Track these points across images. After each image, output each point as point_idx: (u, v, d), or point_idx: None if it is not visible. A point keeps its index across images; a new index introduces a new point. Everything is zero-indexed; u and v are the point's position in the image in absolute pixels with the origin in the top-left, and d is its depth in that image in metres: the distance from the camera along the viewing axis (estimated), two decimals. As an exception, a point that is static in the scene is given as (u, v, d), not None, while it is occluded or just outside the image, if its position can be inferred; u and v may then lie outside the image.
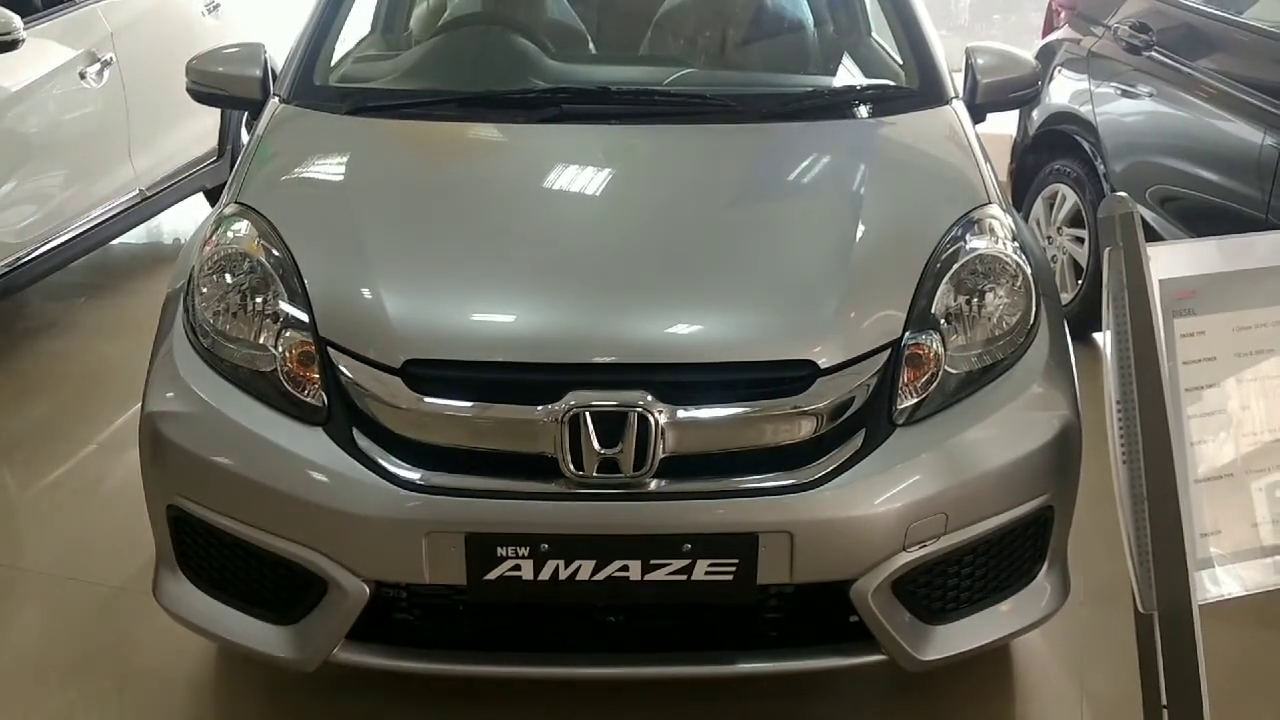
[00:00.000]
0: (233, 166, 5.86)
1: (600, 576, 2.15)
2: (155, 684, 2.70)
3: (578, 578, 2.15)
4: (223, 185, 5.75)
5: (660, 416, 2.10)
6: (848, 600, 2.21)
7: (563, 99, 2.87)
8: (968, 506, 2.24)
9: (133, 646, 2.82)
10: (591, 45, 3.27)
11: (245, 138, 6.03)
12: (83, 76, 4.69)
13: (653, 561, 2.14)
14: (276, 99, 3.01)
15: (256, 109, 3.14)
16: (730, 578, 2.15)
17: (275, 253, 2.42)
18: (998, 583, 2.37)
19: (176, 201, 5.60)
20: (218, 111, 5.76)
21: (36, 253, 4.45)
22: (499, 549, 2.14)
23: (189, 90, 3.23)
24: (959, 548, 2.26)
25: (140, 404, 2.43)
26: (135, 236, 5.65)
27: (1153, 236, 4.01)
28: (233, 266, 2.44)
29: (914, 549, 2.20)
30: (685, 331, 2.25)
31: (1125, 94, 4.31)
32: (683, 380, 2.16)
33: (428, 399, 2.17)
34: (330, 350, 2.26)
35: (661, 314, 2.28)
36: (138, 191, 5.07)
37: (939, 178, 2.69)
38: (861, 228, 2.44)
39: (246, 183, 2.68)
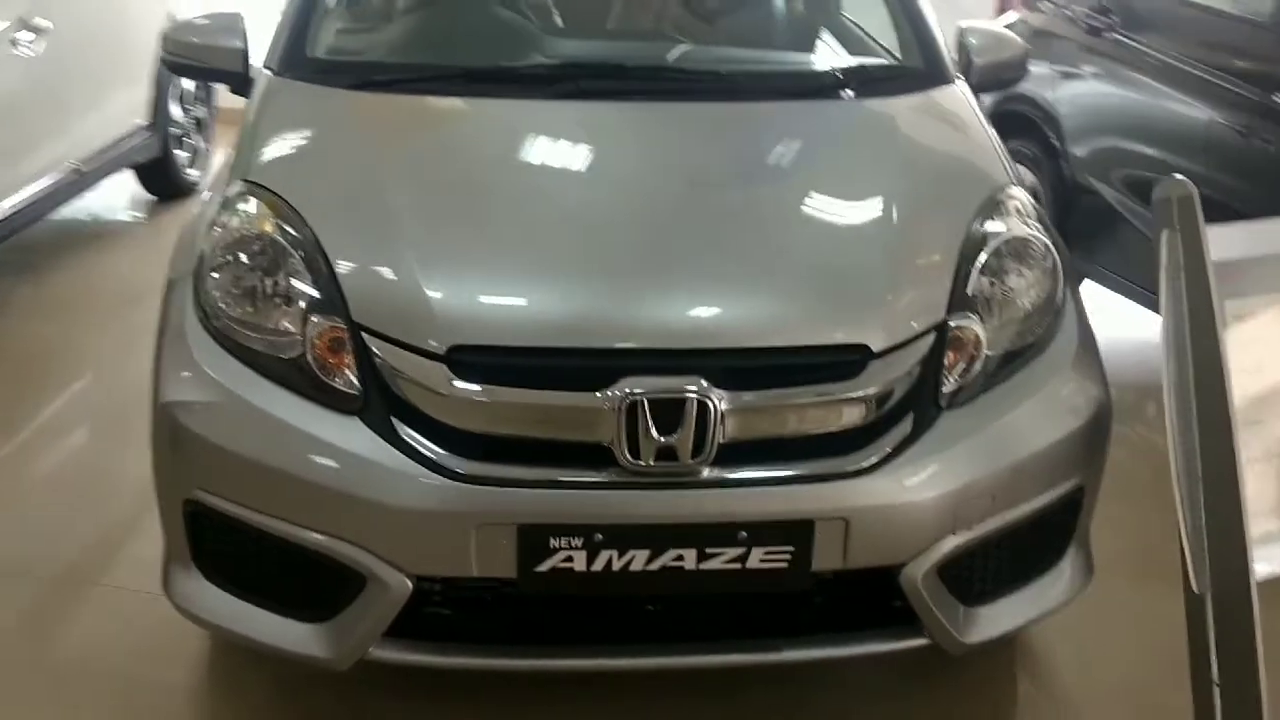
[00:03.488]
0: (163, 140, 5.72)
1: (654, 566, 2.11)
2: (125, 685, 2.57)
3: (631, 568, 2.10)
4: (154, 159, 5.66)
5: (719, 403, 2.06)
6: (893, 585, 2.20)
7: (581, 75, 2.80)
8: (1012, 489, 2.25)
9: (89, 644, 2.69)
10: (591, 18, 3.19)
11: (176, 111, 5.83)
12: (15, 44, 4.45)
13: (708, 550, 2.10)
14: (268, 72, 2.87)
15: (237, 81, 3.01)
16: (785, 565, 2.13)
17: (294, 232, 2.31)
18: (1032, 564, 2.39)
19: (107, 176, 5.37)
20: (149, 82, 5.54)
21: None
22: (552, 540, 2.08)
23: (164, 61, 3.09)
24: (1001, 530, 2.27)
25: (153, 394, 2.31)
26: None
27: (1117, 219, 4.15)
28: (248, 248, 2.33)
29: (962, 532, 2.21)
30: (740, 316, 2.21)
31: (1086, 76, 4.38)
32: (738, 365, 2.12)
33: (475, 386, 2.10)
34: (365, 336, 2.17)
35: (714, 298, 2.24)
36: (73, 166, 4.84)
37: (961, 158, 2.69)
38: (898, 209, 2.42)
39: (253, 160, 2.55)
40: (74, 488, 3.36)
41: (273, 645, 2.26)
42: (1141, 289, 3.97)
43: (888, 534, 2.16)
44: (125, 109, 5.34)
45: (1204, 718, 2.05)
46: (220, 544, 2.28)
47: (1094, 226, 4.23)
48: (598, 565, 2.10)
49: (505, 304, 2.21)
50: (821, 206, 2.51)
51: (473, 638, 2.26)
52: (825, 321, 2.20)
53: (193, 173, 6.11)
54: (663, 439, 2.05)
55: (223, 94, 6.33)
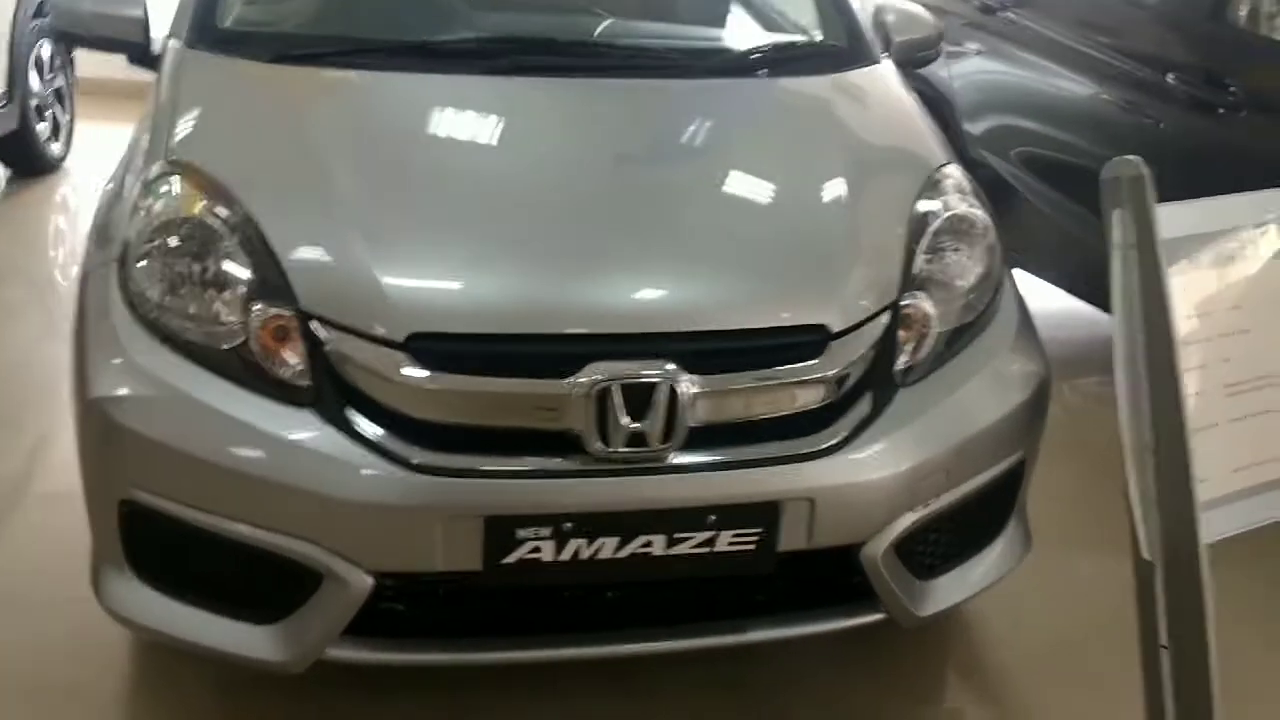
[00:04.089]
0: (21, 112, 5.38)
1: (623, 554, 2.08)
2: (63, 697, 2.43)
3: (599, 556, 2.07)
4: (12, 133, 5.33)
5: (689, 387, 2.04)
6: (851, 562, 2.22)
7: (514, 50, 2.72)
8: (964, 463, 2.29)
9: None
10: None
11: (34, 81, 5.50)
12: None
13: (676, 535, 2.09)
14: (177, 44, 2.72)
15: (136, 52, 2.85)
16: (753, 547, 2.12)
17: (226, 213, 2.19)
18: (978, 536, 2.45)
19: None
20: (4, 50, 5.21)
21: None
22: (519, 531, 2.04)
23: (54, 31, 2.90)
24: (952, 505, 2.31)
25: (77, 390, 2.17)
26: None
27: (1013, 195, 4.26)
28: (176, 232, 2.20)
29: (918, 509, 2.24)
30: (704, 298, 2.18)
31: (980, 54, 4.48)
32: (703, 349, 2.10)
33: (436, 375, 2.03)
34: (314, 324, 2.07)
35: (677, 280, 2.21)
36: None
37: (899, 137, 2.71)
38: (847, 189, 2.43)
39: (173, 138, 2.41)
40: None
41: (218, 649, 2.16)
42: (1035, 262, 4.09)
43: (851, 512, 2.17)
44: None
45: (1152, 681, 2.14)
46: (158, 545, 2.16)
47: (990, 203, 4.33)
48: (566, 555, 2.06)
49: (464, 289, 2.14)
50: (770, 186, 2.49)
51: (427, 632, 2.20)
52: (787, 302, 2.19)
53: (55, 147, 5.79)
54: (633, 425, 2.02)
55: (83, 63, 6.03)
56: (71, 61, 5.94)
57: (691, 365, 2.06)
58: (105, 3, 2.82)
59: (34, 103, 5.52)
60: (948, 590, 2.38)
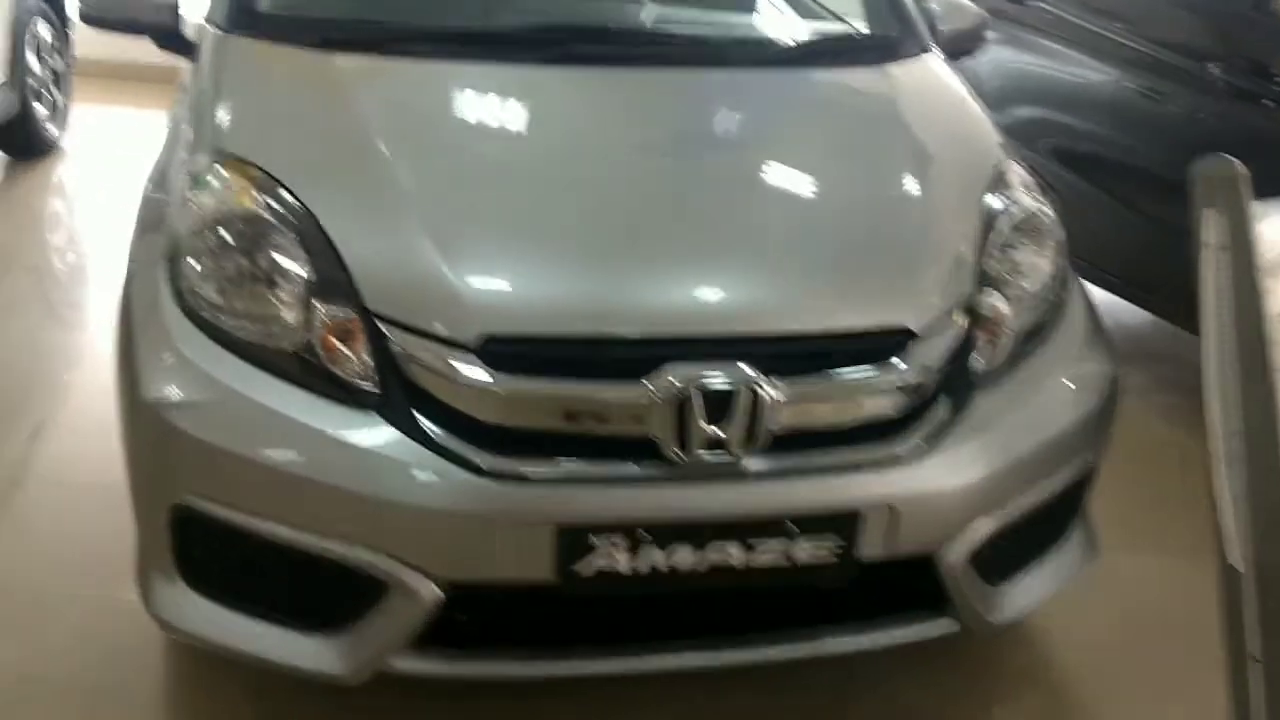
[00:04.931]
0: (21, 95, 5.23)
1: (699, 564, 2.00)
2: (96, 698, 2.36)
3: (675, 566, 2.00)
4: (14, 118, 5.19)
5: (770, 392, 1.96)
6: (928, 570, 2.15)
7: (572, 38, 2.62)
8: (1041, 466, 2.23)
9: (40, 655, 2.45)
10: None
11: (33, 63, 5.36)
12: None
13: (755, 545, 2.01)
14: (214, 27, 2.61)
15: (166, 36, 2.74)
16: (832, 556, 2.05)
17: (281, 207, 2.10)
18: (1046, 540, 2.39)
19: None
20: (5, 32, 5.07)
21: None
22: (593, 539, 1.96)
23: (82, 16, 2.78)
24: (1027, 509, 2.25)
25: (126, 393, 2.08)
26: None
27: (1043, 189, 4.19)
28: (230, 227, 2.10)
29: (995, 514, 2.17)
30: (785, 299, 2.10)
31: (1007, 44, 4.40)
32: (784, 352, 2.02)
33: (510, 379, 1.94)
34: (380, 324, 1.99)
35: (755, 280, 2.12)
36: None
37: (960, 131, 2.64)
38: (918, 185, 2.36)
39: (221, 128, 2.31)
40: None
41: (273, 660, 2.07)
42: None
43: (931, 519, 2.10)
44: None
45: (1239, 696, 2.08)
46: (211, 552, 2.07)
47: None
48: (641, 564, 1.99)
49: (538, 290, 2.04)
50: (840, 182, 2.41)
51: (492, 642, 2.12)
52: (868, 303, 2.12)
53: (51, 129, 5.65)
54: (713, 431, 1.95)
55: (81, 42, 5.89)
56: (69, 42, 5.79)
57: (771, 369, 1.98)
58: None
59: (33, 85, 5.37)
60: (1020, 597, 2.32)
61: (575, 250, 2.11)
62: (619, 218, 2.20)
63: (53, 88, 5.64)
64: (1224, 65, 3.56)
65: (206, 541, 2.06)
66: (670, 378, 1.94)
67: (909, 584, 2.20)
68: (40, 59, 5.48)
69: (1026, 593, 2.34)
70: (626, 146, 2.41)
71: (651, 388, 1.93)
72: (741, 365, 1.96)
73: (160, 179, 2.41)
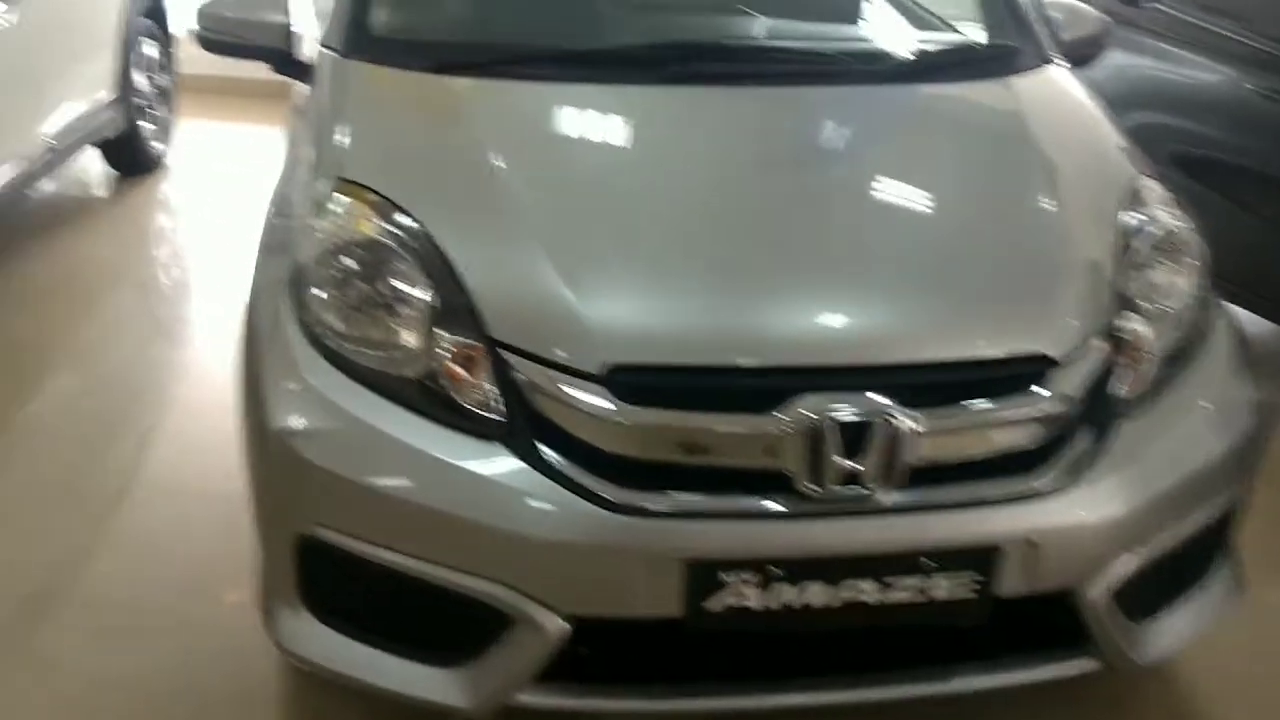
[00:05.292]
0: (129, 112, 5.33)
1: (832, 600, 1.94)
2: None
3: (808, 603, 1.94)
4: (121, 133, 5.29)
5: (907, 423, 1.89)
6: (1067, 606, 2.07)
7: (685, 57, 2.56)
8: (1187, 501, 2.13)
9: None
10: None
11: (140, 81, 5.45)
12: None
13: (890, 582, 1.95)
14: (331, 52, 2.61)
15: (279, 59, 2.75)
16: (970, 593, 1.98)
17: (403, 234, 2.08)
18: (1191, 575, 2.28)
19: (78, 153, 5.01)
20: (115, 51, 5.17)
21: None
22: (723, 575, 1.91)
23: (200, 39, 2.80)
24: (1173, 543, 2.15)
25: (253, 420, 2.08)
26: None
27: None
28: (353, 254, 2.09)
29: (1138, 548, 2.08)
30: (921, 327, 2.03)
31: (1124, 48, 4.26)
32: (920, 381, 1.95)
33: (639, 409, 1.90)
34: (503, 352, 1.96)
35: (887, 307, 2.06)
36: (48, 143, 4.48)
37: (1092, 145, 2.54)
38: (1050, 204, 2.27)
39: (342, 153, 2.30)
40: (64, 491, 3.15)
41: (398, 692, 2.05)
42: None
43: (1072, 554, 2.02)
44: (94, 80, 4.97)
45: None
46: (337, 582, 2.06)
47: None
48: (772, 601, 1.93)
49: (666, 318, 2.00)
50: (969, 202, 2.33)
51: (615, 676, 2.08)
52: (1005, 330, 2.04)
53: (158, 146, 5.75)
54: (848, 464, 1.89)
55: (186, 59, 5.99)
56: (173, 60, 5.90)
57: (908, 399, 1.91)
58: (250, 9, 2.73)
59: (140, 103, 5.47)
60: (1166, 635, 2.21)
61: (702, 277, 2.06)
62: (744, 242, 2.14)
63: (159, 105, 5.74)
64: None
65: (331, 571, 2.04)
66: (803, 409, 1.88)
67: (1047, 620, 2.11)
68: (147, 76, 5.57)
69: (1173, 631, 2.23)
70: (747, 168, 2.36)
71: (784, 419, 1.88)
72: (877, 396, 1.90)
73: (282, 203, 2.41)
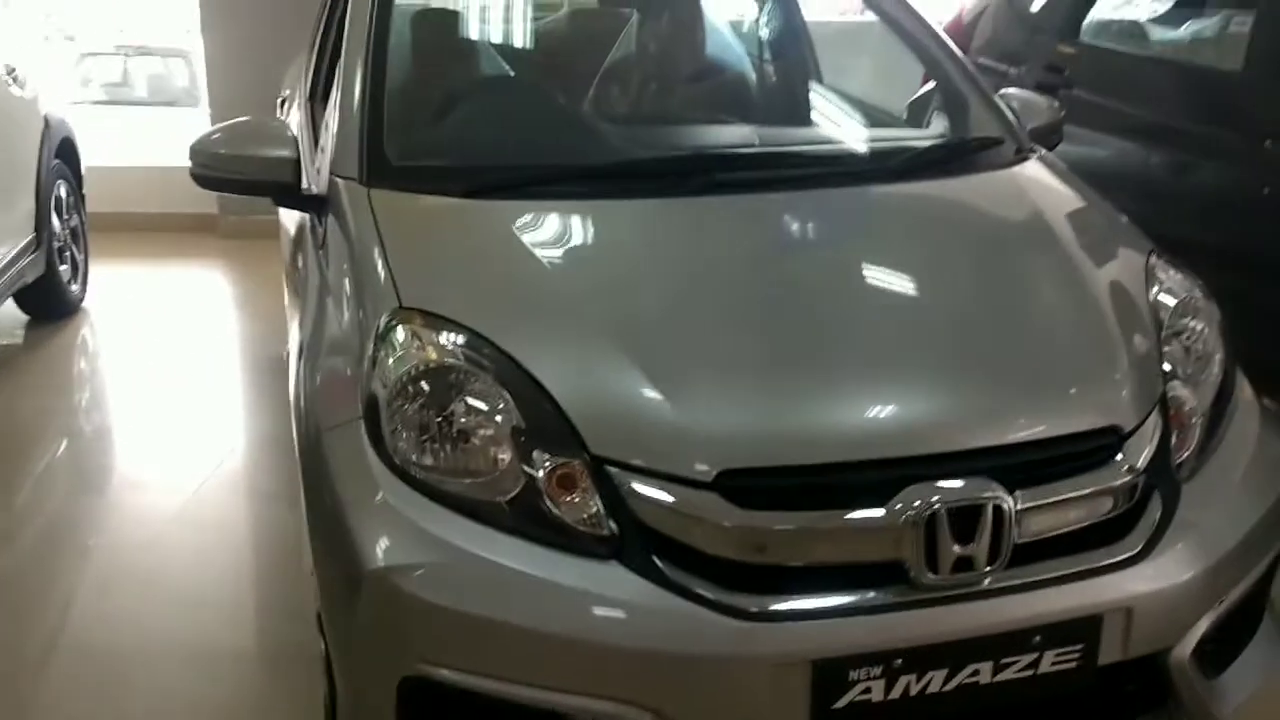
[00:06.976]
0: (48, 255, 5.15)
1: (950, 686, 1.97)
2: None
3: (929, 690, 1.96)
4: (39, 279, 5.10)
5: (1012, 504, 1.95)
6: (1157, 669, 2.13)
7: (711, 167, 2.63)
8: (1249, 554, 2.22)
9: None
10: (668, 107, 3.04)
11: (55, 222, 5.29)
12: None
13: (1003, 661, 1.98)
14: (348, 181, 2.58)
15: (287, 193, 2.72)
16: (1075, 665, 2.02)
17: (486, 361, 2.07)
18: (1249, 628, 2.37)
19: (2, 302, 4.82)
20: (33, 194, 5.02)
21: None
22: (850, 673, 1.91)
23: (193, 175, 2.75)
24: (1238, 598, 2.24)
25: (342, 564, 2.01)
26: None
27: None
28: (433, 381, 2.06)
29: (1215, 606, 2.16)
30: (1012, 408, 2.10)
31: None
32: (1015, 462, 2.01)
33: (750, 513, 1.91)
34: (608, 467, 1.95)
35: (981, 392, 2.12)
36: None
37: (1104, 228, 2.68)
38: (1090, 285, 2.38)
39: (394, 282, 2.25)
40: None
41: None
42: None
43: (1165, 617, 2.09)
44: (15, 226, 4.81)
45: None
46: (444, 722, 1.99)
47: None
48: (895, 693, 1.94)
49: (769, 420, 2.02)
50: (1017, 287, 2.43)
51: None
52: (1084, 405, 2.12)
53: (74, 288, 5.57)
54: (961, 550, 1.93)
55: (92, 198, 5.84)
56: (83, 199, 5.75)
57: (1006, 480, 1.97)
58: (252, 145, 2.69)
59: (56, 245, 5.31)
60: (1237, 689, 2.29)
61: (794, 376, 2.09)
62: (826, 340, 2.19)
63: (73, 247, 5.57)
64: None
65: (440, 711, 1.98)
66: (916, 499, 1.92)
67: (1130, 685, 2.17)
68: (61, 219, 5.42)
69: (1241, 684, 2.30)
70: (804, 268, 2.42)
71: (899, 510, 1.91)
72: (982, 479, 1.95)
73: (319, 344, 2.37)
